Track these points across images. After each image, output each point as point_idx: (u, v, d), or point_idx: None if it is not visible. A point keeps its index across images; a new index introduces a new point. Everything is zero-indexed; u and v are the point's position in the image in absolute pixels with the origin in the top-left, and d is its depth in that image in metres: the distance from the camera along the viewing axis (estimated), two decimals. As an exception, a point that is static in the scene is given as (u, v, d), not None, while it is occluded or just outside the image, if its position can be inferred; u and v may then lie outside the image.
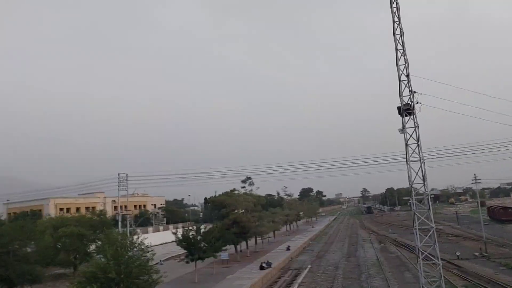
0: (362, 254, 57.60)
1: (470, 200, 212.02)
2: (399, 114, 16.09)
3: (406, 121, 16.03)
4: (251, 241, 62.47)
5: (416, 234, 16.07)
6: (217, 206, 67.28)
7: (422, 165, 15.98)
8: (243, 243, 59.62)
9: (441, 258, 48.40)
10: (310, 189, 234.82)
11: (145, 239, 29.13)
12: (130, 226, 57.83)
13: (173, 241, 43.26)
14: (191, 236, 39.63)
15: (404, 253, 56.02)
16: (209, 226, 46.15)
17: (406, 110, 15.73)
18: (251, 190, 63.81)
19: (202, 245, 40.12)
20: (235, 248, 54.95)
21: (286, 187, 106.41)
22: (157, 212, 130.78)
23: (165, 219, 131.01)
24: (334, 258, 56.45)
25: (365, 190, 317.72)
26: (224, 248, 45.04)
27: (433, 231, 15.79)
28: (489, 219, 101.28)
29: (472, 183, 60.75)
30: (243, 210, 57.23)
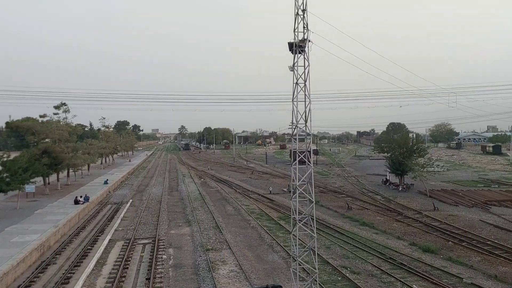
0: (184, 189, 58.36)
1: (274, 143, 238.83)
2: (290, 50, 15.21)
3: (296, 58, 15.30)
4: (63, 174, 56.24)
5: (296, 173, 15.90)
6: (19, 133, 57.68)
7: (309, 105, 15.66)
8: (53, 176, 53.22)
9: (256, 193, 52.42)
10: (127, 122, 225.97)
11: None
12: None
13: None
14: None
15: (223, 187, 59.05)
16: (5, 154, 38.33)
17: (299, 47, 14.94)
18: (66, 118, 56.44)
19: (4, 175, 33.67)
20: (44, 180, 48.42)
21: (104, 118, 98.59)
22: None
23: None
24: (156, 192, 55.65)
25: (183, 127, 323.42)
26: (32, 180, 39.01)
27: (311, 171, 15.85)
28: (290, 160, 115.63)
29: (288, 128, 67.17)
30: (55, 140, 50.43)
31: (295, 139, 16.45)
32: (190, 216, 38.50)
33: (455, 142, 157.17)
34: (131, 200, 47.77)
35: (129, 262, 24.87)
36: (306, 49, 14.96)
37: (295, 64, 15.32)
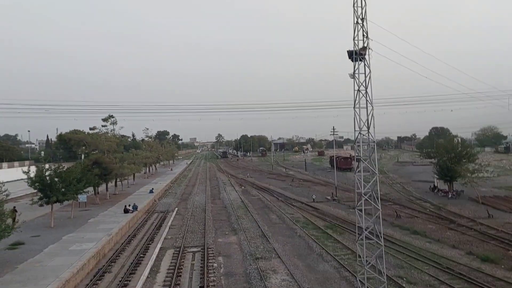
0: (226, 197, 58.91)
1: (311, 149, 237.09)
2: (349, 58, 15.21)
3: (356, 66, 15.29)
4: (110, 184, 58.12)
5: (361, 180, 15.71)
6: (67, 145, 60.47)
7: (372, 112, 15.53)
8: (101, 186, 55.17)
9: (299, 201, 52.03)
10: (167, 132, 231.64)
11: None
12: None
13: (8, 182, 36.71)
14: (48, 176, 34.31)
15: (265, 195, 59.13)
16: (54, 166, 39.98)
17: (359, 55, 14.92)
18: (113, 129, 58.71)
19: (60, 186, 35.22)
20: (94, 190, 50.28)
21: (147, 128, 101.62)
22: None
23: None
24: (199, 200, 56.49)
25: (219, 135, 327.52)
26: (85, 190, 40.64)
27: (376, 177, 15.65)
28: (329, 167, 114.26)
29: (330, 135, 66.64)
30: (103, 150, 52.44)
31: (358, 145, 16.23)
32: (236, 225, 38.77)
33: (503, 146, 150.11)
34: (176, 209, 48.73)
35: (181, 270, 25.32)
36: (366, 56, 14.84)
37: (356, 72, 15.22)
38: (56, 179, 34.82)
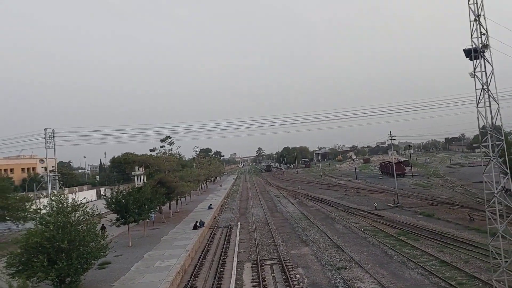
0: (284, 209, 59.12)
1: (354, 157, 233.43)
2: (466, 57, 15.33)
3: (475, 64, 15.36)
4: (172, 202, 59.90)
5: (493, 182, 15.66)
6: (120, 168, 63.27)
7: (498, 109, 15.54)
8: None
9: (360, 210, 51.30)
10: (209, 149, 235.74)
11: (84, 198, 25.37)
12: (60, 187, 51.22)
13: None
14: (123, 199, 35.98)
15: (323, 206, 58.83)
16: (109, 188, 41.41)
17: (479, 52, 15.01)
18: (171, 149, 60.75)
19: (134, 207, 36.79)
20: (160, 209, 52.02)
21: (197, 147, 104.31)
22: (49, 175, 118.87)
23: (57, 182, 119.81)
24: (258, 214, 57.01)
25: (260, 149, 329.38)
26: (156, 209, 42.24)
27: (508, 177, 15.62)
28: (380, 174, 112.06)
29: (388, 140, 65.72)
30: (165, 170, 54.35)
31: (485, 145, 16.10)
32: (304, 236, 38.83)
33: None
34: (239, 223, 49.43)
35: (265, 282, 25.64)
36: (488, 54, 14.84)
37: (477, 70, 15.22)
38: (130, 201, 36.37)
